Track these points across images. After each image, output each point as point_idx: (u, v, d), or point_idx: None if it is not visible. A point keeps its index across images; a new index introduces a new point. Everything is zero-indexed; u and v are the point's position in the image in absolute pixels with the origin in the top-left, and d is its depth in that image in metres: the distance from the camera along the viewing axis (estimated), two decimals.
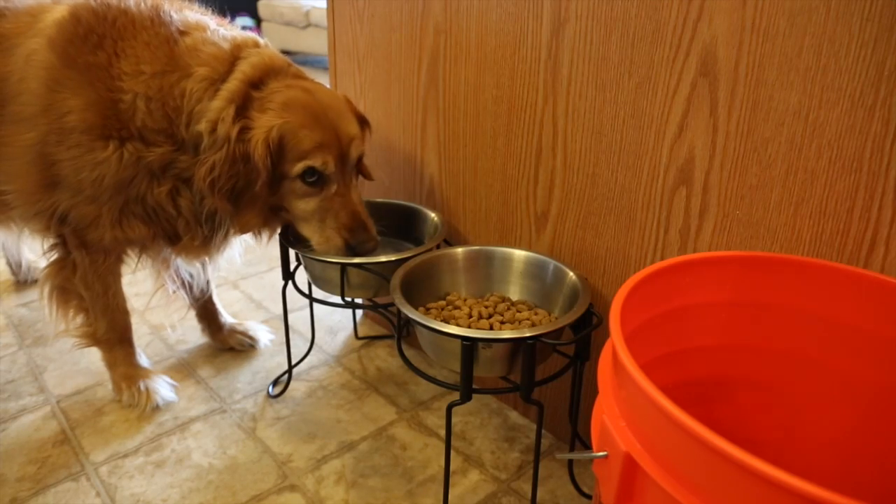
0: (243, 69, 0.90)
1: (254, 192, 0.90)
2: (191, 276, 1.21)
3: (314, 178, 0.92)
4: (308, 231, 0.96)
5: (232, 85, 0.89)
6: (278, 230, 1.04)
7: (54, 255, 1.03)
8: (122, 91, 0.89)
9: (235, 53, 0.92)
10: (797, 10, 0.62)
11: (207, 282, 1.24)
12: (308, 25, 4.72)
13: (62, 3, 0.94)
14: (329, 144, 0.91)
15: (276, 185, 0.92)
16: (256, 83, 0.91)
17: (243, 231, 0.98)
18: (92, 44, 0.90)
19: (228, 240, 1.04)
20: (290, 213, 0.96)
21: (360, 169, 1.02)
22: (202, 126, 0.89)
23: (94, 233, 0.97)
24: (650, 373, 0.44)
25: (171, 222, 0.98)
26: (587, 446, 0.95)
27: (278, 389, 1.15)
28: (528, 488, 0.93)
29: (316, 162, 0.90)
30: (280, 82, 0.92)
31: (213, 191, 0.88)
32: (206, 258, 1.09)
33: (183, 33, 0.92)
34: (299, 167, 0.90)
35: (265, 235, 1.05)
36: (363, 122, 1.00)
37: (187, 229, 0.98)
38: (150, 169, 0.93)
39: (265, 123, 0.88)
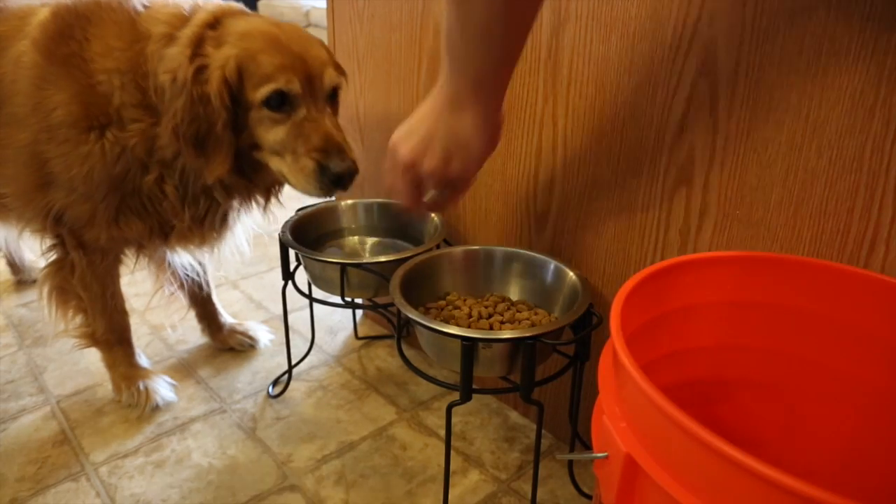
0: (199, 16, 0.88)
1: (217, 136, 0.86)
2: (189, 275, 1.21)
3: (280, 103, 0.86)
4: (282, 165, 0.90)
5: (188, 31, 0.86)
6: (278, 193, 1.02)
7: (53, 256, 1.03)
8: (97, 73, 0.89)
9: (195, 11, 0.90)
10: (797, 10, 0.62)
11: (207, 282, 1.24)
12: (308, 25, 4.71)
13: (48, 3, 0.95)
14: (293, 66, 0.86)
15: (242, 123, 0.88)
16: (213, 24, 0.87)
17: (213, 178, 0.90)
18: (67, 36, 0.90)
19: (228, 222, 1.02)
20: (263, 150, 0.91)
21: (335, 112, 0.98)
22: (163, 78, 0.86)
23: (91, 232, 0.97)
24: (650, 373, 0.44)
25: (164, 214, 0.97)
26: (587, 447, 0.95)
27: (278, 389, 1.15)
28: (528, 488, 0.93)
29: (279, 83, 0.85)
30: (239, 18, 0.89)
31: (178, 138, 0.85)
32: (207, 245, 1.06)
33: (146, 7, 0.92)
34: (262, 92, 0.85)
35: (261, 200, 1.02)
36: (339, 68, 0.95)
37: (176, 213, 0.97)
38: (137, 157, 0.91)
39: (220, 56, 0.84)
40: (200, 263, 1.19)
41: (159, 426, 1.05)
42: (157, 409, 1.09)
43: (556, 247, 0.94)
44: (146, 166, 0.93)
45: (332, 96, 0.93)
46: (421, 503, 0.91)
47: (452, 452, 1.00)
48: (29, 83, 0.91)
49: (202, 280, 1.23)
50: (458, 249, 0.94)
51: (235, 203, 1.00)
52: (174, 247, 1.05)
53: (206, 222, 1.00)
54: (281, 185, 1.03)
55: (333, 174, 0.87)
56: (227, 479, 0.94)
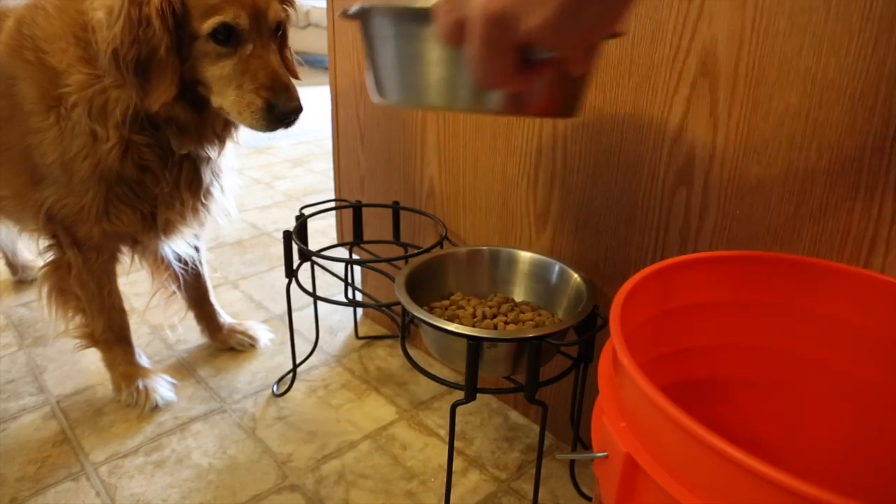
0: None
1: (160, 60, 0.85)
2: (187, 275, 1.21)
3: (227, 37, 0.86)
4: (226, 102, 0.90)
5: None
6: (231, 137, 1.02)
7: (50, 256, 1.04)
8: (46, 50, 0.90)
9: None
10: (797, 10, 0.62)
11: (205, 282, 1.24)
12: (308, 25, 4.72)
13: (20, 6, 0.97)
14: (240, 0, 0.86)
15: (186, 50, 0.87)
16: None
17: (158, 104, 0.88)
18: (22, 27, 0.93)
19: (202, 178, 1.02)
20: (206, 85, 0.90)
21: (284, 52, 0.97)
22: (99, 13, 0.85)
23: (83, 228, 0.98)
24: (650, 373, 0.44)
25: (149, 191, 0.97)
26: (589, 448, 0.95)
27: (282, 389, 1.15)
28: (528, 488, 0.93)
29: (227, 16, 0.84)
30: None
31: (118, 64, 0.84)
32: (193, 214, 1.05)
33: None
34: (209, 24, 0.84)
35: (216, 143, 1.00)
36: (285, 1, 0.95)
37: (157, 181, 0.97)
38: (90, 124, 0.90)
39: None
40: (196, 251, 1.19)
41: (159, 426, 1.05)
42: (156, 408, 1.09)
43: (556, 247, 0.94)
44: (96, 134, 0.91)
45: (278, 32, 0.92)
46: (421, 503, 0.91)
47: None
48: (4, 84, 0.94)
49: (201, 280, 1.23)
50: (462, 250, 0.94)
51: (193, 148, 0.98)
52: (164, 228, 1.04)
53: (181, 181, 0.99)
54: (235, 126, 1.02)
55: (281, 112, 0.88)
56: (227, 478, 0.94)
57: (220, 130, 1.00)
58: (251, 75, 0.88)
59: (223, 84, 0.89)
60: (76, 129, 0.91)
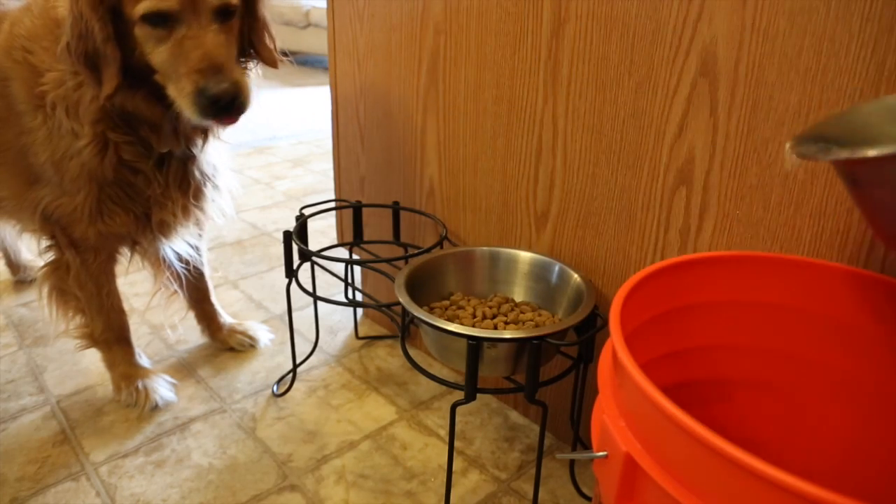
0: None
1: (101, 51, 0.83)
2: (187, 275, 1.21)
3: (160, 19, 0.82)
4: (170, 89, 0.86)
5: None
6: (212, 132, 1.00)
7: (50, 256, 1.04)
8: (29, 46, 0.90)
9: None
10: (797, 10, 0.62)
11: (206, 282, 1.24)
12: (308, 25, 4.72)
13: (18, 8, 0.98)
14: None
15: (131, 38, 0.85)
16: None
17: (103, 96, 0.86)
18: (15, 29, 0.93)
19: (189, 176, 1.00)
20: (158, 72, 0.87)
21: (256, 41, 0.93)
22: (62, 10, 0.85)
23: (78, 228, 0.98)
24: (650, 373, 0.44)
25: (140, 190, 0.96)
26: (588, 447, 0.95)
27: (283, 389, 1.15)
28: (528, 488, 0.93)
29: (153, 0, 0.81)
30: None
31: (72, 59, 0.84)
32: (187, 213, 1.04)
33: None
34: (140, 8, 0.82)
35: (196, 140, 0.98)
36: None
37: (147, 181, 0.96)
38: (70, 124, 0.90)
39: None
40: (197, 251, 1.19)
41: (159, 426, 1.05)
42: (156, 408, 1.09)
43: (556, 247, 0.94)
44: (76, 133, 0.90)
45: (225, 14, 0.87)
46: (421, 503, 0.91)
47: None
48: (3, 86, 0.94)
49: (201, 280, 1.23)
50: (462, 250, 0.95)
51: (172, 146, 0.96)
52: (159, 228, 1.03)
53: (170, 180, 0.98)
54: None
55: (210, 96, 0.82)
56: (227, 479, 0.94)
57: (193, 125, 0.96)
58: (184, 59, 0.83)
59: (165, 69, 0.85)
60: (62, 128, 0.91)
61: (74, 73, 0.87)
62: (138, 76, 0.88)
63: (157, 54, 0.85)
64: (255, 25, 0.95)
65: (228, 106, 0.83)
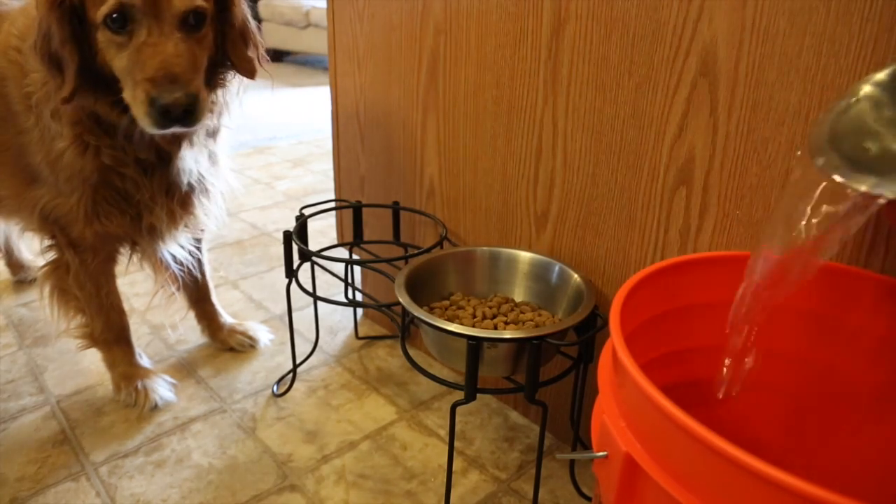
0: None
1: (59, 54, 0.82)
2: (187, 275, 1.21)
3: (121, 24, 0.80)
4: (126, 95, 0.84)
5: None
6: (188, 138, 0.98)
7: (50, 257, 1.04)
8: (21, 46, 0.90)
9: None
10: (797, 10, 0.62)
11: (206, 282, 1.24)
12: (308, 25, 4.72)
13: (17, 8, 0.98)
14: None
15: (93, 41, 0.83)
16: None
17: (59, 98, 0.84)
18: (12, 29, 0.93)
19: (175, 176, 0.98)
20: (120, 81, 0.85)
21: (231, 49, 0.91)
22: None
23: (75, 229, 0.98)
24: (650, 373, 0.44)
25: (131, 193, 0.96)
26: (588, 447, 0.95)
27: (283, 389, 1.15)
28: (528, 488, 0.93)
29: (116, 3, 0.79)
30: None
31: (37, 57, 0.83)
32: (178, 218, 1.03)
33: None
34: (102, 11, 0.80)
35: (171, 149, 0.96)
36: None
37: (136, 186, 0.95)
38: (53, 124, 0.89)
39: None
40: (197, 255, 1.19)
41: (159, 426, 1.05)
42: (156, 408, 1.09)
43: (556, 247, 0.94)
44: (60, 133, 0.90)
45: (195, 23, 0.85)
46: (421, 503, 0.91)
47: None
48: (1, 87, 0.94)
49: (202, 280, 1.23)
50: (462, 250, 0.95)
51: (150, 152, 0.94)
52: (149, 232, 1.02)
53: (155, 185, 0.96)
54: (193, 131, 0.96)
55: (160, 106, 0.80)
56: (227, 479, 0.94)
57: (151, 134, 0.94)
58: (141, 66, 0.81)
59: (123, 76, 0.83)
60: (52, 128, 0.91)
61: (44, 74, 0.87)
62: (103, 82, 0.86)
63: (118, 60, 0.83)
64: (231, 33, 0.92)
65: (181, 117, 0.82)
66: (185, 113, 0.82)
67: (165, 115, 0.81)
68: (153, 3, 0.81)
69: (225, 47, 0.92)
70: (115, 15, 0.80)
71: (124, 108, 0.86)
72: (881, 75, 0.49)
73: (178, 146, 0.97)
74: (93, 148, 0.91)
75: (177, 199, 1.01)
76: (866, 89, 0.49)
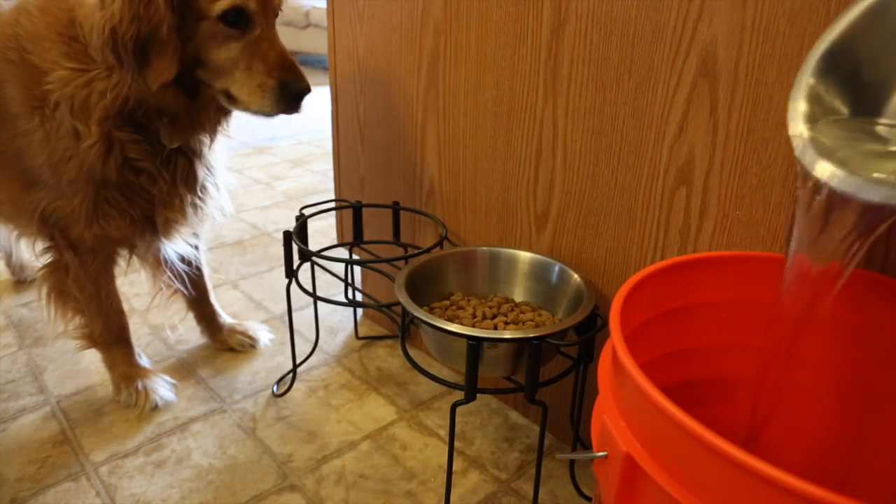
0: None
1: (161, 39, 0.83)
2: (187, 276, 1.21)
3: (237, 19, 0.87)
4: (234, 84, 0.90)
5: None
6: (223, 128, 1.02)
7: (49, 258, 1.04)
8: (28, 46, 0.90)
9: None
10: (797, 10, 0.62)
11: (205, 283, 1.24)
12: (308, 25, 4.72)
13: (4, 10, 0.97)
14: None
15: (189, 31, 0.86)
16: None
17: (158, 83, 0.86)
18: (8, 30, 0.93)
19: (196, 173, 1.01)
20: (209, 67, 0.90)
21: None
22: (92, 0, 0.85)
23: (75, 231, 0.98)
24: (650, 373, 0.44)
25: (139, 194, 0.96)
26: (588, 447, 0.95)
27: (283, 389, 1.15)
28: (528, 488, 0.93)
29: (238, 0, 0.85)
30: None
31: (115, 44, 0.82)
32: (189, 212, 1.04)
33: None
34: (220, 6, 0.85)
35: (206, 138, 1.00)
36: None
37: (152, 180, 0.96)
38: (72, 123, 0.90)
39: None
40: (196, 250, 1.19)
41: (159, 426, 1.05)
42: (156, 408, 1.09)
43: (556, 247, 0.94)
44: (78, 133, 0.90)
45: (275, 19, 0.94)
46: (421, 503, 0.91)
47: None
48: None
49: (201, 280, 1.23)
50: (462, 250, 0.95)
51: (184, 140, 0.97)
52: (164, 227, 1.03)
53: (177, 177, 0.99)
54: (227, 116, 1.02)
55: (295, 91, 0.90)
56: (227, 479, 0.94)
57: (212, 120, 0.99)
58: (261, 57, 0.89)
59: (230, 67, 0.89)
60: (60, 129, 0.91)
61: (110, 60, 0.85)
62: (182, 67, 0.89)
63: (224, 51, 0.88)
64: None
65: (301, 103, 0.92)
66: (303, 98, 0.92)
67: (296, 99, 0.91)
68: (265, 3, 0.89)
69: None
70: (232, 11, 0.86)
71: (186, 95, 0.92)
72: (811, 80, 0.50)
73: (215, 134, 1.02)
74: (119, 144, 0.92)
75: (198, 188, 1.04)
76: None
